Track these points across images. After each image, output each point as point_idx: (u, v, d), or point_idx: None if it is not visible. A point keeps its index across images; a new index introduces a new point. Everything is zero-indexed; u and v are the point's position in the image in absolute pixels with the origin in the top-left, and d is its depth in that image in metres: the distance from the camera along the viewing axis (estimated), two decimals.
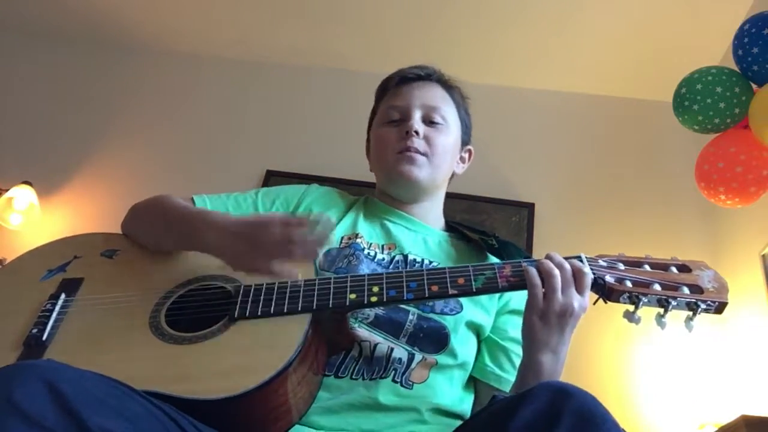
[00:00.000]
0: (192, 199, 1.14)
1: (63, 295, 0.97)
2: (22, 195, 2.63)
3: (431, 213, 1.24)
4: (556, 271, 0.91)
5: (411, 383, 0.96)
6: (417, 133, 1.16)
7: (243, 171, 2.83)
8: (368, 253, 1.09)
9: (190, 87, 3.10)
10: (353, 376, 0.95)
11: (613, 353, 2.38)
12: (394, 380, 0.96)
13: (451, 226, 1.25)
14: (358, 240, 1.11)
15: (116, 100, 3.06)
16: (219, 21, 2.98)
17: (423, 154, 1.16)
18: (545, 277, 0.91)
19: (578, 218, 2.70)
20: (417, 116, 1.18)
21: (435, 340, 1.00)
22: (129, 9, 2.97)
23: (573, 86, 2.98)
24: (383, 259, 1.10)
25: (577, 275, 0.91)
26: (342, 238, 1.12)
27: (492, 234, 1.15)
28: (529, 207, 2.71)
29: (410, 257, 1.12)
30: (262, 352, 0.84)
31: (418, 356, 0.98)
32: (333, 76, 3.06)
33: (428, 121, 1.19)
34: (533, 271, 0.92)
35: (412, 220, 1.20)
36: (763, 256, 2.18)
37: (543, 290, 0.90)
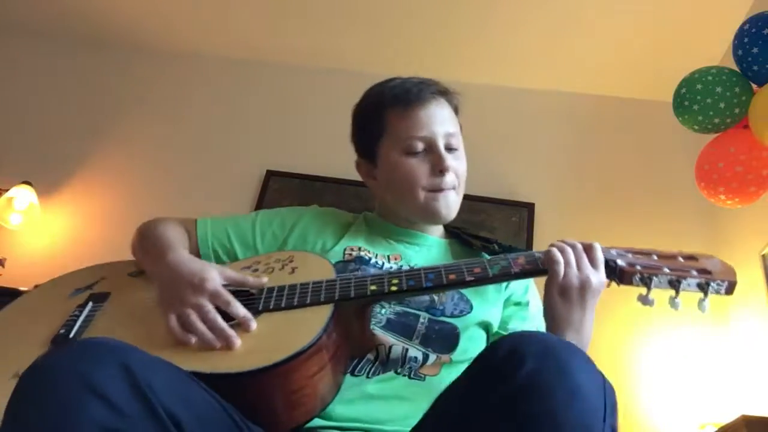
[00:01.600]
0: (195, 222, 1.16)
1: (90, 303, 1.02)
2: (22, 195, 2.63)
3: (434, 226, 1.26)
4: (569, 248, 0.95)
5: (423, 375, 0.98)
6: (448, 169, 1.14)
7: (243, 171, 2.83)
8: (375, 263, 1.11)
9: (190, 87, 3.10)
10: (369, 376, 0.96)
11: (613, 353, 2.38)
12: (408, 376, 0.98)
13: (451, 232, 1.26)
14: (362, 252, 1.12)
15: (116, 99, 3.06)
16: (219, 21, 2.98)
17: (453, 188, 1.15)
18: (561, 253, 0.94)
19: (578, 218, 2.70)
20: (443, 150, 1.14)
21: (446, 340, 1.02)
22: (129, 9, 2.97)
23: (573, 86, 2.98)
24: (391, 267, 1.12)
25: (588, 250, 0.96)
26: (345, 249, 1.13)
27: (494, 240, 1.16)
28: (529, 207, 2.71)
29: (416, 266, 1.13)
30: (286, 335, 0.87)
31: (432, 356, 1.00)
32: (333, 76, 3.06)
33: (448, 148, 1.16)
34: (553, 250, 0.95)
35: (415, 234, 1.21)
36: (763, 256, 2.18)
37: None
